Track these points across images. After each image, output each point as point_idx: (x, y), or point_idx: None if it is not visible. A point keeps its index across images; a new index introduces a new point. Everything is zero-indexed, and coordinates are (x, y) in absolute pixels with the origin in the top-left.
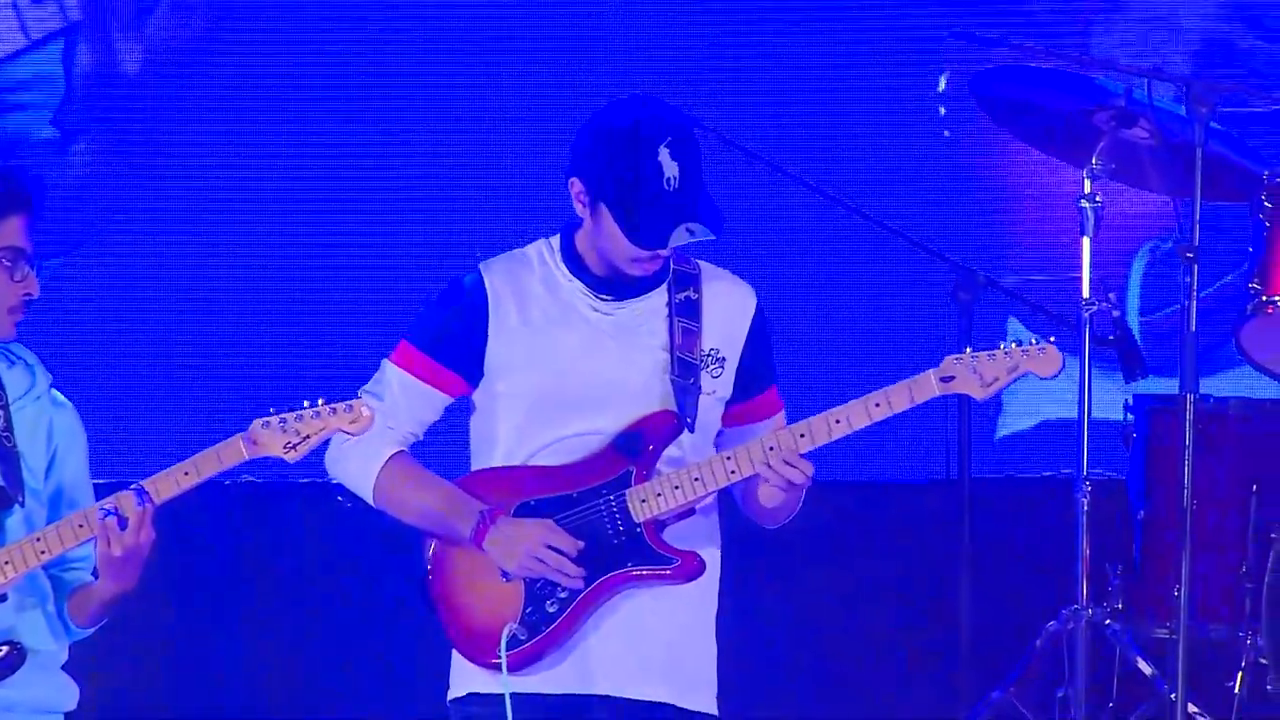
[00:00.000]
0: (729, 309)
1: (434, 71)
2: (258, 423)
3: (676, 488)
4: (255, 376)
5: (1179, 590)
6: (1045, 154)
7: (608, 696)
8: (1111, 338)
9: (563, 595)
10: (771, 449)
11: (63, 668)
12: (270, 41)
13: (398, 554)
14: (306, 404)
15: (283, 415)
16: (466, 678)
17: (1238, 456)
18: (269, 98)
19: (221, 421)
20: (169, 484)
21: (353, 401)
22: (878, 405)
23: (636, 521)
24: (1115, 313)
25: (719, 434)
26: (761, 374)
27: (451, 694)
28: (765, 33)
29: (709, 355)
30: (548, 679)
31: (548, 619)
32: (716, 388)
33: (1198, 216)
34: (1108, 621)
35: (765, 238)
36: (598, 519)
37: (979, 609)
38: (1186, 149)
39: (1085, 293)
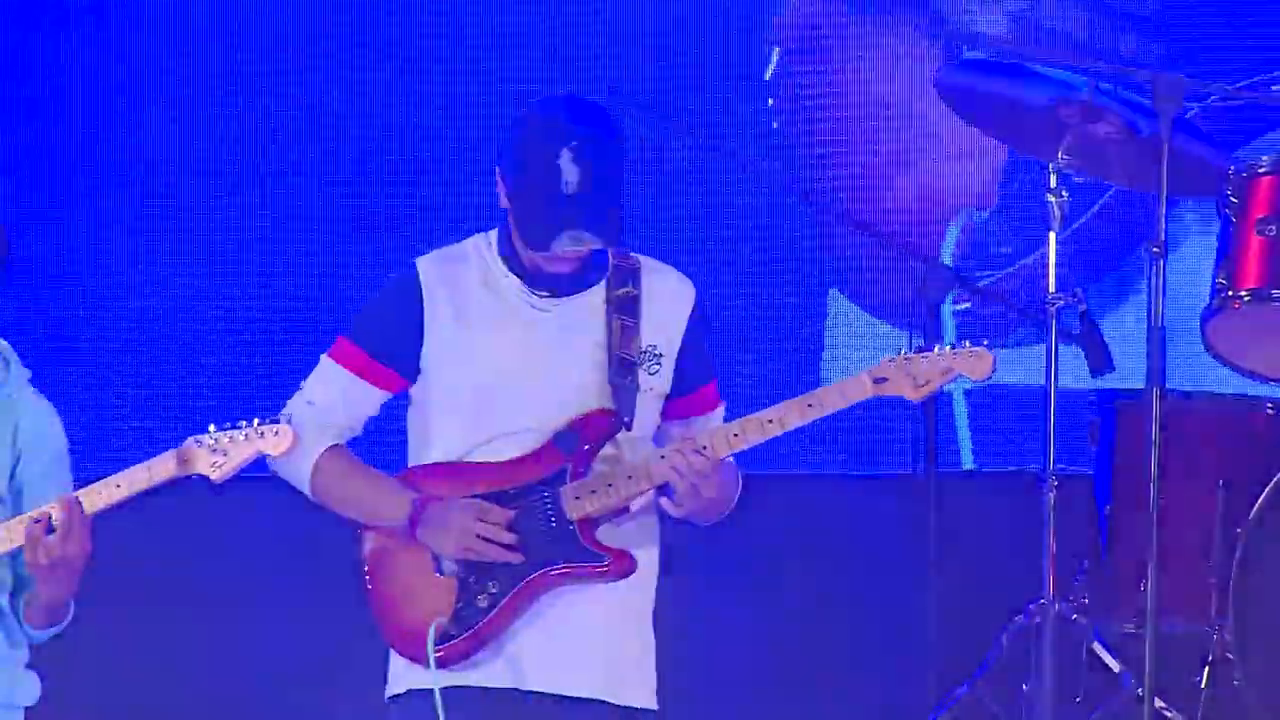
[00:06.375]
0: (668, 304)
1: (383, 68)
2: (191, 440)
3: (610, 485)
4: (218, 376)
5: (1145, 585)
6: (1011, 148)
7: (540, 692)
8: (1077, 332)
9: (494, 590)
10: (705, 448)
11: (27, 665)
12: (218, 40)
13: (335, 551)
14: (243, 423)
15: (215, 434)
16: (404, 675)
17: (1204, 451)
18: (249, 98)
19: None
20: (101, 495)
21: (279, 426)
22: (810, 406)
23: (570, 519)
24: (1082, 307)
25: (658, 429)
26: (700, 368)
27: (390, 691)
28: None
29: (646, 352)
30: (482, 674)
31: (479, 614)
32: (654, 384)
33: (1164, 211)
34: (1074, 616)
35: (726, 232)
36: (531, 515)
37: (945, 603)
38: (1152, 143)
39: (1051, 287)
